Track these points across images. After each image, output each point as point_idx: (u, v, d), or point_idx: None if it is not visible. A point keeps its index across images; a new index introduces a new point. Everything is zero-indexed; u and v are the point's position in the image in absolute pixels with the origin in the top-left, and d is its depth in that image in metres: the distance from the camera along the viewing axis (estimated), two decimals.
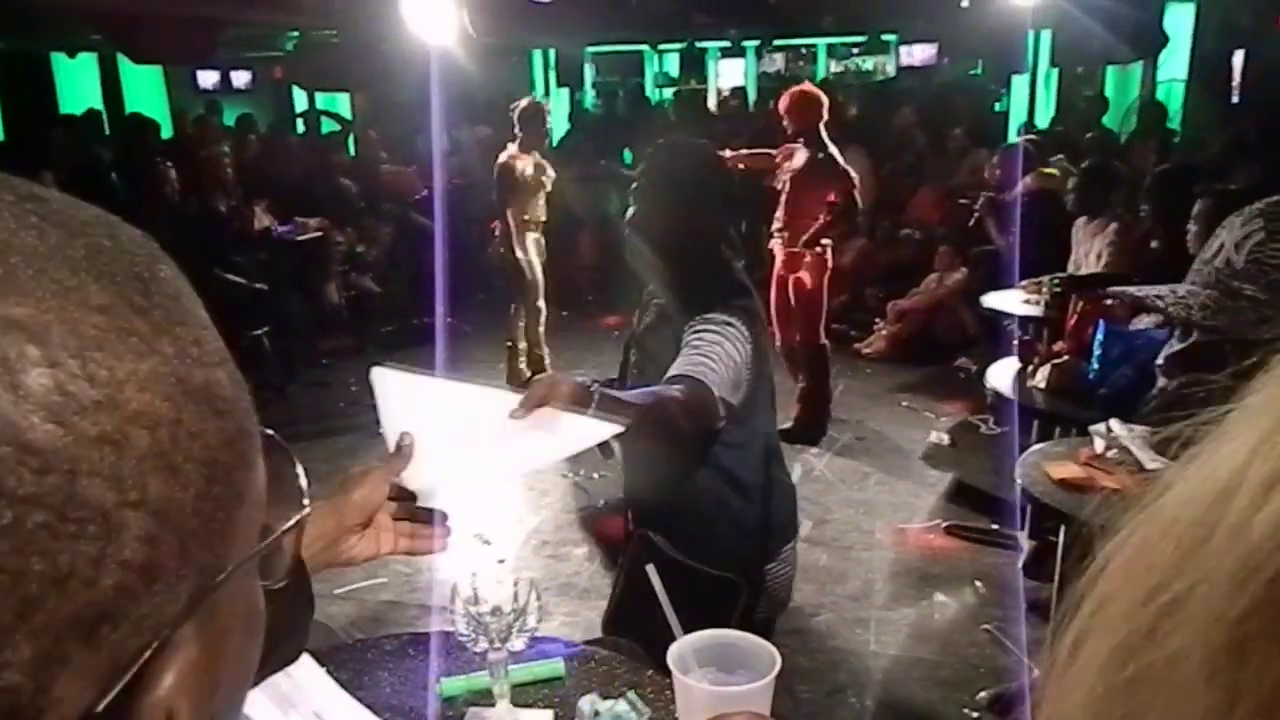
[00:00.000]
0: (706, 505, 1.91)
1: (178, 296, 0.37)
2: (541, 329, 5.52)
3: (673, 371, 1.70)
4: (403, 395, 1.26)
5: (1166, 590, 0.32)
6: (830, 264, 4.89)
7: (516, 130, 5.18)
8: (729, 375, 1.73)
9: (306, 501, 0.44)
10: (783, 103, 4.80)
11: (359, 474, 1.10)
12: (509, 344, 5.56)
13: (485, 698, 1.30)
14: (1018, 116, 8.73)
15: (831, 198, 4.66)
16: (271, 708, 1.27)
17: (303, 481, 0.44)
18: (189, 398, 0.35)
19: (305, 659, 1.34)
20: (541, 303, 5.48)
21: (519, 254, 5.31)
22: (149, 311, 0.35)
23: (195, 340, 0.37)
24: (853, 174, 4.74)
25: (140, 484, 0.32)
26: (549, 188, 5.32)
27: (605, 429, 1.26)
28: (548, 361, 5.57)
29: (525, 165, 5.20)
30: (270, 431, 0.41)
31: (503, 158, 5.24)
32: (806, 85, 4.93)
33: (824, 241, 4.76)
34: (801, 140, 4.67)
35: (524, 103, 5.25)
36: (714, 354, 1.74)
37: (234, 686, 0.40)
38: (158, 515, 0.32)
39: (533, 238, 5.39)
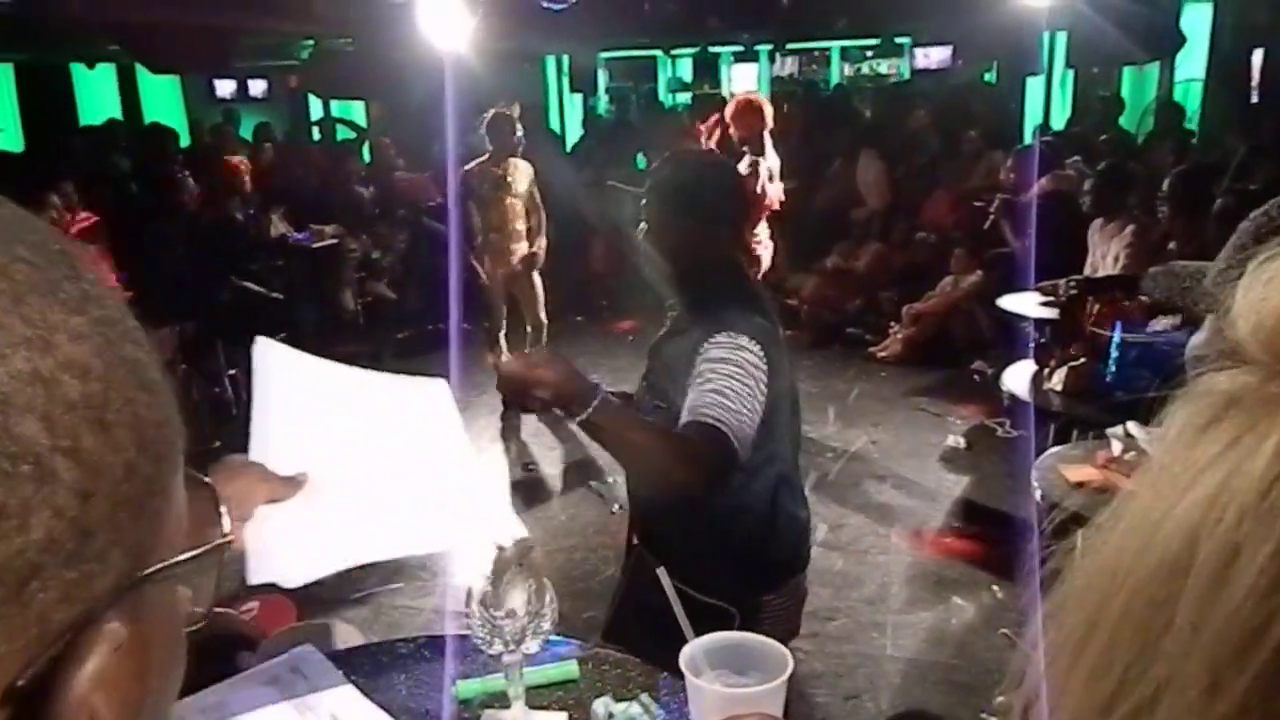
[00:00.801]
0: (706, 529, 1.84)
1: (106, 289, 0.37)
2: (501, 352, 5.29)
3: (687, 408, 1.65)
4: (285, 374, 1.24)
5: (1128, 697, 0.33)
6: (761, 268, 5.00)
7: (487, 143, 5.13)
8: (746, 414, 1.65)
9: (229, 534, 0.44)
10: (728, 111, 5.01)
11: (237, 465, 1.07)
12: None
13: (500, 700, 1.30)
14: (1033, 118, 8.70)
15: (776, 205, 4.89)
16: (288, 709, 1.28)
17: (225, 519, 0.43)
18: (121, 363, 0.35)
19: (322, 661, 1.35)
20: (500, 334, 5.34)
21: (477, 265, 5.20)
22: (78, 280, 0.35)
23: (124, 319, 0.36)
24: (771, 187, 4.90)
25: (72, 431, 0.32)
26: (518, 195, 5.15)
27: (501, 531, 1.21)
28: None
29: (484, 176, 5.12)
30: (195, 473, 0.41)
31: (467, 168, 5.23)
32: (751, 94, 5.19)
33: (757, 249, 4.90)
34: (746, 148, 4.87)
35: (489, 114, 5.20)
36: (730, 390, 1.66)
37: (157, 707, 0.39)
38: (89, 470, 0.32)
39: (498, 249, 5.20)
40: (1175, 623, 0.31)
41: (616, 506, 4.35)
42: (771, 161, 4.91)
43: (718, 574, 1.79)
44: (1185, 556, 0.32)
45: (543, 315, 5.33)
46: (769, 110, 4.93)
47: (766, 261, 5.04)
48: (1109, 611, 0.34)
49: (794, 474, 1.98)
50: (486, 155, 5.16)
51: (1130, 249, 4.21)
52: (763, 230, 4.98)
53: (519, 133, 5.16)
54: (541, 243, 5.28)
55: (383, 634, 3.38)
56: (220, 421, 5.54)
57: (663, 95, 12.80)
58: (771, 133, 4.92)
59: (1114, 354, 3.05)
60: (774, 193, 4.90)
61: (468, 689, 1.36)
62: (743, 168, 4.77)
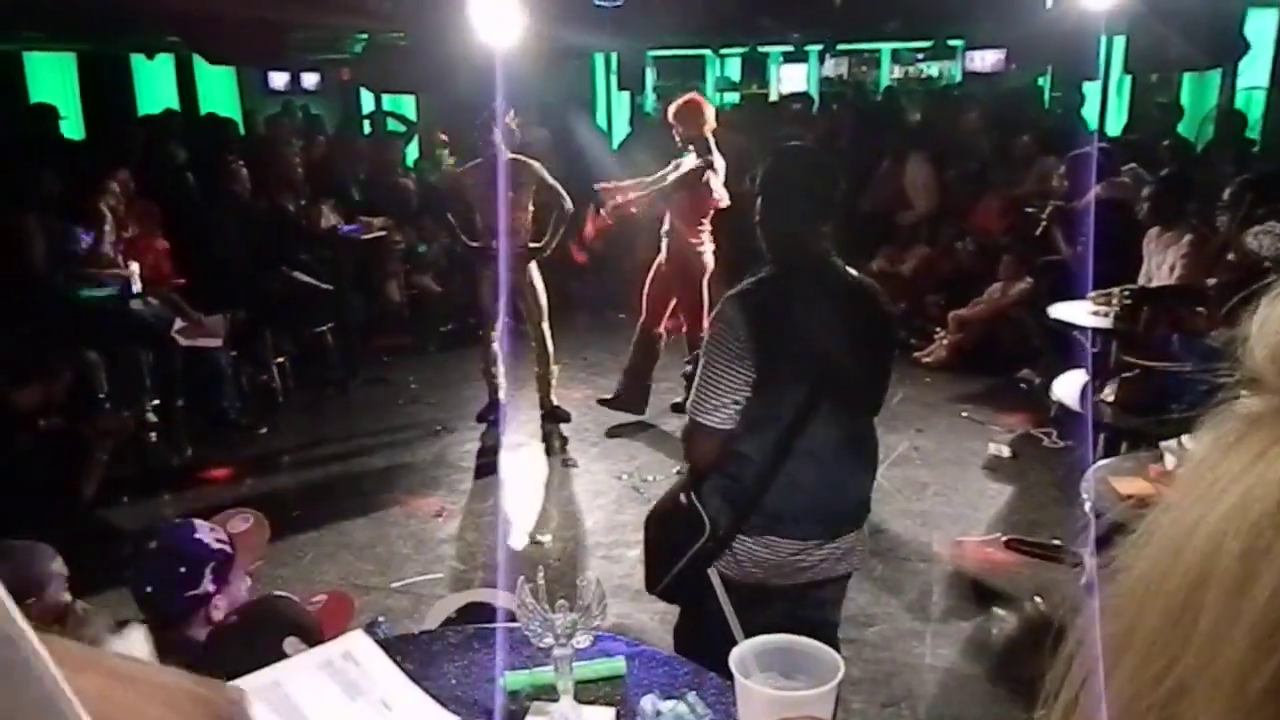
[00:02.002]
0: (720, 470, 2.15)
1: None
2: (489, 355, 5.26)
3: None
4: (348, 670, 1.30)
5: (1166, 684, 0.36)
6: (706, 266, 5.03)
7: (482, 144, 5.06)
8: (722, 393, 2.05)
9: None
10: (671, 110, 5.04)
11: None
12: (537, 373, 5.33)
13: (549, 693, 1.31)
14: (1088, 124, 8.53)
15: (723, 204, 4.89)
16: (340, 694, 1.30)
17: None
18: None
19: (373, 648, 1.37)
20: (495, 331, 5.23)
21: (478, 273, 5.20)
22: None
23: None
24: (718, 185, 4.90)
25: None
26: (516, 194, 5.01)
27: None
28: (502, 388, 5.30)
29: (471, 179, 5.09)
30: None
31: (463, 168, 5.24)
32: (693, 95, 5.13)
33: (695, 242, 4.97)
34: (691, 146, 4.90)
35: (483, 115, 5.09)
36: (706, 375, 2.07)
37: None
38: None
39: (493, 248, 5.06)
40: (1207, 615, 0.35)
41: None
42: (717, 161, 4.91)
43: (711, 494, 2.13)
44: (1214, 558, 0.35)
45: (543, 306, 5.15)
46: (710, 111, 4.98)
47: (710, 262, 5.03)
48: (1148, 611, 0.38)
49: (808, 441, 2.09)
50: (481, 157, 5.09)
51: (1187, 259, 4.12)
52: (706, 232, 5.00)
53: (508, 135, 5.06)
54: (549, 241, 5.12)
55: (420, 625, 3.42)
56: (267, 409, 5.64)
57: (710, 95, 12.76)
58: (714, 132, 4.95)
59: (1172, 365, 2.99)
60: (720, 191, 4.90)
61: (516, 680, 1.37)
62: (686, 165, 4.88)
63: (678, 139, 4.97)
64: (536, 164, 5.14)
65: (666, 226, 5.04)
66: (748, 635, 2.25)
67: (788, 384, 2.08)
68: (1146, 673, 0.37)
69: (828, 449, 2.13)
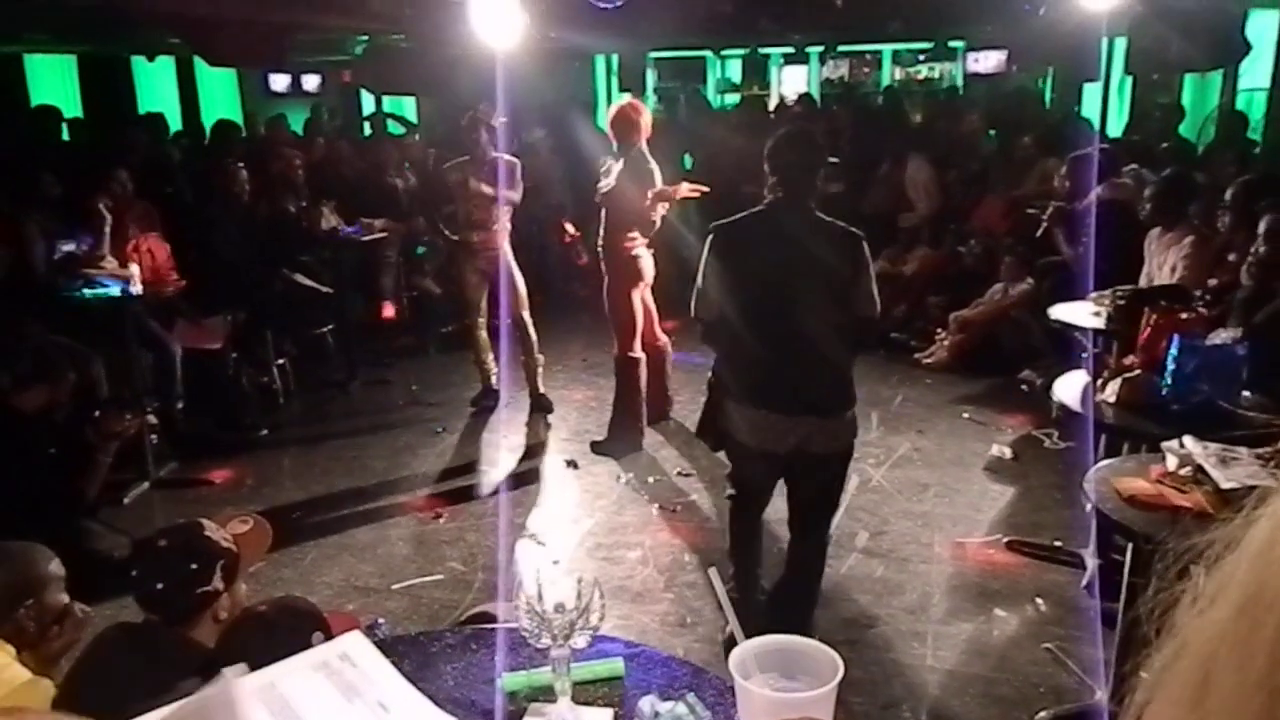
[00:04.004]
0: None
1: None
2: (478, 344, 5.45)
3: None
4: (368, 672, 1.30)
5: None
6: (640, 275, 4.81)
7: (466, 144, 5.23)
8: (703, 291, 2.94)
9: None
10: (607, 116, 4.91)
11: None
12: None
13: (546, 694, 1.31)
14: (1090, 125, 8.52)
15: (656, 213, 4.72)
16: (337, 695, 1.30)
17: None
18: None
19: (371, 649, 1.37)
20: (479, 320, 5.40)
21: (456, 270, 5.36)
22: None
23: None
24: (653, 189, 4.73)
25: None
26: (477, 197, 5.17)
27: None
28: (494, 373, 5.54)
29: (454, 175, 5.25)
30: None
31: (445, 166, 5.27)
32: (628, 101, 4.94)
33: (628, 247, 4.76)
34: (623, 155, 4.72)
35: (467, 116, 5.28)
36: (698, 276, 2.95)
37: None
38: None
39: (474, 246, 5.29)
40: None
41: (656, 506, 4.35)
42: (651, 171, 4.69)
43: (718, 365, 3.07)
44: None
45: (523, 296, 5.30)
46: (646, 117, 4.74)
47: (647, 270, 4.85)
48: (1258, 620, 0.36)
49: (750, 333, 2.88)
50: (466, 157, 5.25)
51: (1188, 260, 4.11)
52: (638, 239, 4.78)
53: (489, 135, 5.18)
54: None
55: (421, 625, 3.42)
56: (267, 410, 5.64)
57: (711, 96, 12.76)
58: (649, 140, 4.75)
59: (1171, 366, 2.97)
60: (652, 202, 4.70)
61: (514, 681, 1.37)
62: (615, 172, 4.69)
63: (613, 146, 4.78)
64: (517, 163, 5.31)
65: (600, 239, 4.84)
66: (757, 484, 3.08)
67: (745, 290, 2.88)
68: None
69: (781, 346, 2.84)
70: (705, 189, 4.79)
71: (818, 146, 3.06)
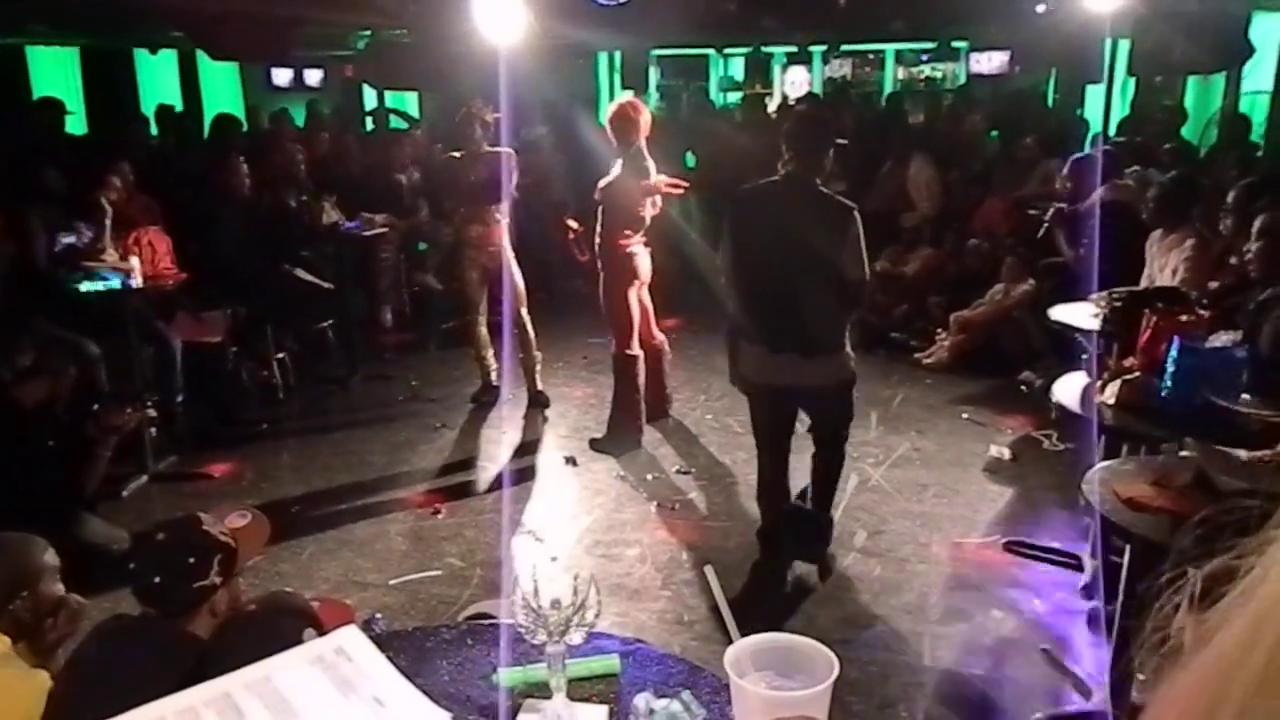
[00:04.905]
0: None
1: None
2: (478, 340, 5.48)
3: None
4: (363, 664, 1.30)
5: None
6: (636, 273, 4.79)
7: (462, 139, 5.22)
8: (721, 264, 3.52)
9: None
10: (606, 115, 4.90)
11: None
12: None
13: (542, 690, 1.31)
14: (1092, 126, 8.52)
15: (645, 209, 4.73)
16: (332, 689, 1.30)
17: None
18: None
19: (367, 644, 1.37)
20: (480, 316, 5.42)
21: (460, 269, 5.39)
22: None
23: None
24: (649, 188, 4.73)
25: None
26: (473, 192, 5.18)
27: None
28: (494, 369, 5.56)
29: (452, 170, 5.27)
30: None
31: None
32: (628, 100, 4.94)
33: (624, 244, 4.74)
34: (623, 152, 4.71)
35: (462, 111, 5.26)
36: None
37: None
38: None
39: (474, 243, 5.30)
40: None
41: (655, 504, 4.35)
42: (648, 170, 4.70)
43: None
44: None
45: (521, 294, 5.30)
46: (646, 117, 4.72)
47: (643, 269, 4.84)
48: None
49: (754, 281, 3.44)
50: (462, 151, 5.26)
51: (1190, 262, 4.11)
52: (637, 236, 4.77)
53: (483, 130, 5.17)
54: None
55: (418, 621, 3.42)
56: (267, 405, 5.64)
57: (713, 94, 12.76)
58: (649, 139, 4.74)
59: (1170, 369, 2.97)
60: (650, 199, 4.72)
61: (510, 677, 1.37)
62: (615, 173, 4.69)
63: (612, 141, 4.76)
64: (513, 153, 5.28)
65: (598, 237, 4.81)
66: (768, 418, 3.68)
67: (753, 245, 3.40)
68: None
69: (777, 293, 3.36)
70: (685, 185, 4.83)
71: (828, 130, 3.56)
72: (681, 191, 4.83)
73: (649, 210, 4.76)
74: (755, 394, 3.64)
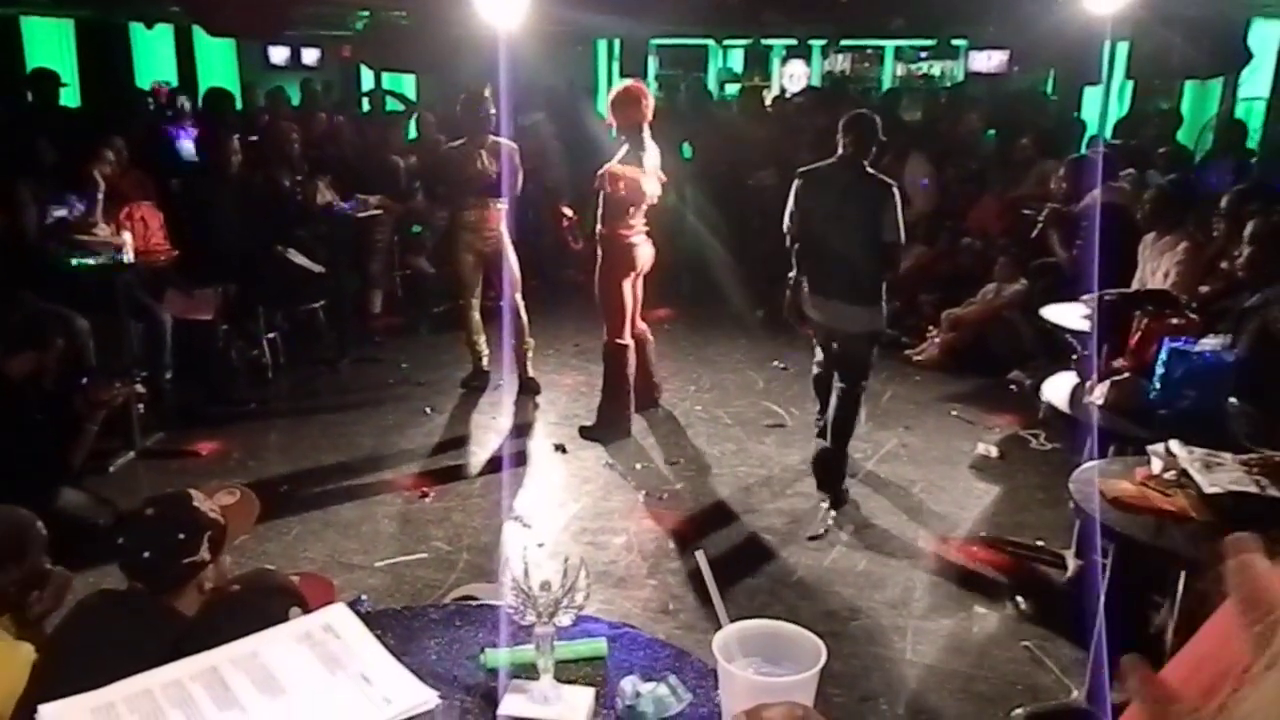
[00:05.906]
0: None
1: None
2: (470, 324, 5.50)
3: None
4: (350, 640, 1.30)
5: None
6: (635, 262, 4.80)
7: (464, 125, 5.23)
8: (787, 220, 4.29)
9: None
10: (608, 98, 4.89)
11: None
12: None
13: (529, 671, 1.31)
14: (1089, 128, 8.55)
15: (653, 201, 4.73)
16: (319, 666, 1.30)
17: None
18: None
19: (355, 621, 1.37)
20: (473, 301, 5.44)
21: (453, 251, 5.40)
22: None
23: None
24: (648, 183, 4.69)
25: None
26: (475, 176, 5.18)
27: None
28: (485, 355, 5.58)
29: (450, 156, 5.28)
30: None
31: (443, 150, 5.27)
32: (631, 83, 4.91)
33: (625, 233, 4.72)
34: (625, 138, 4.69)
35: (463, 96, 5.27)
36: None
37: None
38: None
39: (473, 227, 5.30)
40: None
41: (644, 492, 4.36)
42: (651, 155, 4.69)
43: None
44: None
45: (517, 279, 5.31)
46: (648, 101, 4.71)
47: (648, 259, 4.85)
48: None
49: (812, 259, 4.25)
50: (463, 138, 5.25)
51: (1182, 266, 4.13)
52: (639, 225, 4.76)
53: (488, 114, 5.16)
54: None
55: (403, 603, 3.42)
56: (256, 384, 5.62)
57: (712, 85, 12.73)
58: (650, 125, 4.72)
59: (1159, 370, 2.99)
60: (651, 189, 4.68)
61: (495, 658, 1.37)
62: (618, 158, 4.67)
63: (613, 126, 4.74)
64: (512, 145, 5.28)
65: (599, 223, 4.79)
66: (822, 347, 4.50)
67: (811, 213, 4.16)
68: None
69: (827, 252, 4.13)
70: (662, 178, 4.82)
71: (876, 126, 4.17)
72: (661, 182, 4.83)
73: (654, 186, 4.72)
74: (813, 328, 4.44)
